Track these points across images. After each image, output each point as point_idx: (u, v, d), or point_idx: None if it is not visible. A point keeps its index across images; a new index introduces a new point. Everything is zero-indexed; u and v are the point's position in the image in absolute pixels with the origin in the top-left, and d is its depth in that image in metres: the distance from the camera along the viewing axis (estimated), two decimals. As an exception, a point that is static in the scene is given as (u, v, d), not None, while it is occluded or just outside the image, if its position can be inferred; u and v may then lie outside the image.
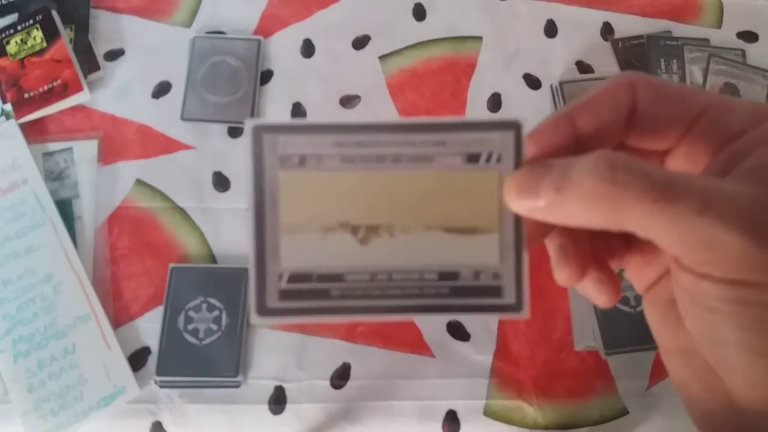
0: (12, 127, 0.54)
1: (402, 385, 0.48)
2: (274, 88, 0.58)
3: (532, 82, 0.60)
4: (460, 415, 0.48)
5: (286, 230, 0.21)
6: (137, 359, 0.48)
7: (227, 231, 0.53)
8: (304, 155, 0.20)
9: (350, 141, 0.20)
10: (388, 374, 0.49)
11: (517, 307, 0.21)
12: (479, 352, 0.50)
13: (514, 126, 0.21)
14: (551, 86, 0.59)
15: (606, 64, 0.61)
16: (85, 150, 0.54)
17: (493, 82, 0.59)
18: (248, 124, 0.20)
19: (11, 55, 0.56)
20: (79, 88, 0.55)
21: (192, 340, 0.48)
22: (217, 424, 0.47)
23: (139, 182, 0.54)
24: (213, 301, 0.49)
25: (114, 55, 0.59)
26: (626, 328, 0.49)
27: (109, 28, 0.60)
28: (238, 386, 0.48)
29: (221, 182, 0.54)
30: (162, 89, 0.57)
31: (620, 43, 0.62)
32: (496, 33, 0.62)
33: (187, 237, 0.52)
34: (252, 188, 0.20)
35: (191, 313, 0.49)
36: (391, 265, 0.21)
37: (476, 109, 0.58)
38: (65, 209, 0.52)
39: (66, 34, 0.57)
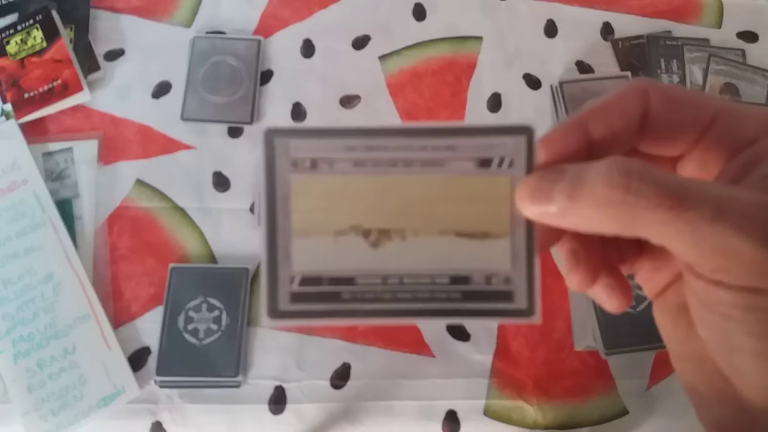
0: (12, 127, 0.54)
1: (402, 385, 0.48)
2: (274, 88, 0.58)
3: (532, 82, 0.60)
4: (460, 415, 0.48)
5: (298, 233, 0.21)
6: (137, 359, 0.48)
7: (227, 231, 0.53)
8: (315, 159, 0.20)
9: (362, 145, 0.20)
10: (388, 374, 0.49)
11: (528, 312, 0.21)
12: (479, 352, 0.50)
13: (527, 131, 0.20)
14: (551, 86, 0.59)
15: (606, 64, 0.61)
16: (85, 150, 0.54)
17: (493, 82, 0.59)
18: (261, 129, 0.20)
19: (11, 55, 0.56)
20: (79, 88, 0.55)
21: (192, 340, 0.48)
22: (217, 424, 0.47)
23: (139, 182, 0.54)
24: (213, 301, 0.49)
25: (114, 55, 0.59)
26: (626, 329, 0.49)
27: (109, 28, 0.60)
28: (238, 386, 0.48)
29: (221, 182, 0.54)
30: (162, 89, 0.57)
31: (620, 43, 0.62)
32: (496, 33, 0.62)
33: (187, 237, 0.52)
34: (264, 191, 0.20)
35: (191, 313, 0.49)
36: (402, 268, 0.21)
37: (476, 109, 0.58)
38: (65, 209, 0.52)
39: (66, 34, 0.57)
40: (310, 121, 0.57)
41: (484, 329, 0.51)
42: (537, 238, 0.21)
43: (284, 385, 0.48)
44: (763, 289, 0.16)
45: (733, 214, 0.16)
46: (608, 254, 0.21)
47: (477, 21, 0.62)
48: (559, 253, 0.21)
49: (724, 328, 0.18)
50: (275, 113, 0.57)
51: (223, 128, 0.56)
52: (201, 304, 0.49)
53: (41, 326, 0.48)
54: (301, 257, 0.21)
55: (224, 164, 0.55)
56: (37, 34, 0.56)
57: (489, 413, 0.48)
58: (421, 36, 0.61)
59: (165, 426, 0.47)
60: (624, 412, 0.48)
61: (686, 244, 0.17)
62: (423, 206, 0.21)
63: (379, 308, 0.21)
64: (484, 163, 0.20)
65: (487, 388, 0.49)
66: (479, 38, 0.61)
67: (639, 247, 0.22)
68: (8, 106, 0.55)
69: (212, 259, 0.52)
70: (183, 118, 0.56)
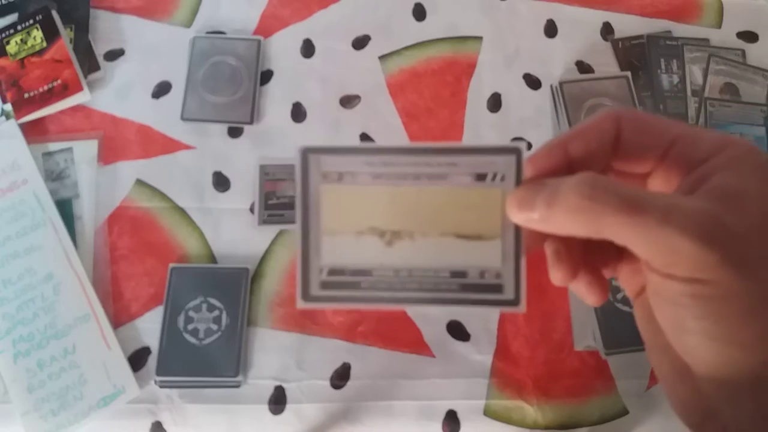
0: (12, 127, 0.54)
1: (402, 385, 0.48)
2: (274, 88, 0.58)
3: (532, 82, 0.60)
4: (460, 415, 0.48)
5: (327, 232, 0.25)
6: (137, 359, 0.48)
7: (227, 231, 0.53)
8: (341, 172, 0.25)
9: (379, 161, 0.25)
10: (388, 374, 0.49)
11: (515, 302, 0.25)
12: (479, 352, 0.50)
13: (516, 151, 0.24)
14: (551, 86, 0.59)
15: (606, 64, 0.61)
16: (85, 150, 0.54)
17: (493, 82, 0.59)
18: (298, 147, 0.25)
19: (11, 55, 0.56)
20: (79, 88, 0.55)
21: (192, 340, 0.48)
22: (217, 424, 0.47)
23: (139, 182, 0.54)
24: (213, 301, 0.49)
25: (114, 55, 0.59)
26: (626, 329, 0.49)
27: (109, 28, 0.60)
28: (238, 386, 0.48)
29: (221, 182, 0.54)
30: (162, 89, 0.57)
31: (620, 43, 0.62)
32: (496, 33, 0.62)
33: (187, 237, 0.52)
34: (300, 198, 0.25)
35: (191, 313, 0.49)
36: (411, 263, 0.25)
37: (476, 109, 0.58)
38: (65, 209, 0.52)
39: (66, 34, 0.57)
40: (311, 121, 0.57)
41: (484, 329, 0.51)
42: (524, 241, 0.24)
43: (284, 385, 0.48)
44: (702, 279, 0.20)
45: (678, 218, 0.19)
46: (590, 257, 0.25)
47: (477, 21, 0.62)
48: (546, 252, 0.24)
49: (676, 313, 0.21)
50: (275, 113, 0.57)
51: (223, 128, 0.56)
52: (201, 304, 0.49)
53: (41, 326, 0.48)
54: (329, 252, 0.25)
55: (224, 164, 0.55)
56: (37, 34, 0.56)
57: (489, 413, 0.48)
58: (421, 36, 0.61)
59: (165, 426, 0.47)
60: (624, 412, 0.48)
61: (642, 243, 0.20)
62: (429, 212, 0.25)
63: (391, 296, 0.25)
64: (481, 177, 0.24)
65: (487, 388, 0.49)
66: (479, 38, 0.61)
67: (619, 254, 0.25)
68: (8, 106, 0.55)
69: (212, 259, 0.52)
70: (183, 118, 0.56)
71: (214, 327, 0.48)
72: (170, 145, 0.55)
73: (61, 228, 0.51)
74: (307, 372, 0.49)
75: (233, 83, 0.57)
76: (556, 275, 0.24)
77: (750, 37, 0.63)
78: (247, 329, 0.49)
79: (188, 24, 0.60)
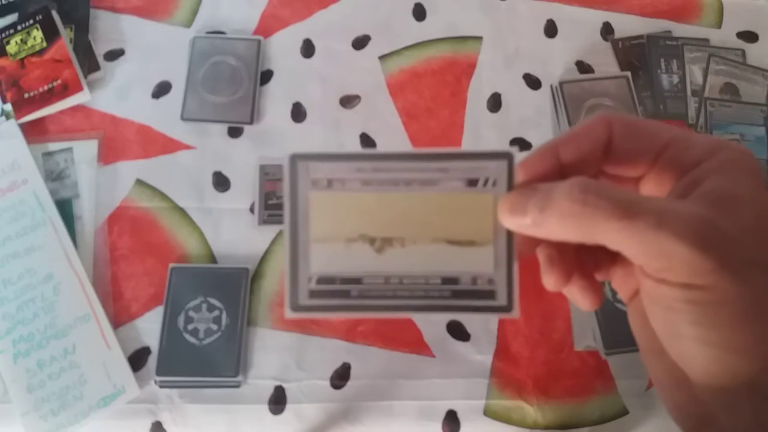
0: (12, 127, 0.54)
1: (402, 385, 0.48)
2: (274, 88, 0.58)
3: (532, 82, 0.60)
4: (460, 415, 0.48)
5: (316, 240, 0.25)
6: (137, 359, 0.48)
7: (227, 231, 0.53)
8: (331, 179, 0.24)
9: (369, 167, 0.24)
10: (388, 374, 0.49)
11: (508, 308, 0.24)
12: (479, 352, 0.50)
13: (507, 156, 0.24)
14: (551, 86, 0.59)
15: (606, 64, 0.61)
16: (85, 150, 0.54)
17: (493, 82, 0.59)
18: (286, 154, 0.25)
19: (11, 55, 0.56)
20: (79, 88, 0.55)
21: (192, 340, 0.48)
22: (217, 424, 0.47)
23: (139, 182, 0.54)
24: (213, 301, 0.49)
25: (114, 55, 0.59)
26: (626, 329, 0.47)
27: (109, 28, 0.60)
28: (238, 386, 0.48)
29: (221, 182, 0.54)
30: (162, 89, 0.57)
31: (620, 43, 0.62)
32: (496, 33, 0.62)
33: (187, 237, 0.52)
34: (288, 205, 0.24)
35: (191, 313, 0.49)
36: (402, 271, 0.24)
37: (476, 109, 0.58)
38: (65, 209, 0.52)
39: (66, 34, 0.57)
40: (311, 121, 0.57)
41: (484, 329, 0.51)
42: (517, 246, 0.24)
43: (284, 385, 0.48)
44: (697, 285, 0.19)
45: (672, 222, 0.19)
46: (584, 261, 0.25)
47: (477, 21, 0.62)
48: (539, 257, 0.24)
49: (670, 319, 0.21)
50: (275, 113, 0.57)
51: (223, 128, 0.56)
52: (201, 304, 0.49)
53: (41, 326, 0.48)
54: (318, 260, 0.25)
55: (224, 164, 0.55)
56: (37, 34, 0.56)
57: (489, 413, 0.48)
58: (421, 36, 0.61)
59: (165, 426, 0.47)
60: (624, 411, 0.48)
61: (635, 248, 0.20)
62: (420, 218, 0.24)
63: (382, 304, 0.25)
64: (472, 182, 0.24)
65: (487, 388, 0.49)
66: (479, 38, 0.61)
67: (612, 257, 0.25)
68: (8, 106, 0.55)
69: (212, 259, 0.52)
70: (183, 118, 0.56)
71: (214, 327, 0.48)
72: (170, 145, 0.55)
73: (61, 228, 0.51)
74: (307, 372, 0.49)
75: (233, 83, 0.57)
76: (549, 280, 0.24)
77: (750, 37, 0.63)
78: (247, 329, 0.49)
79: (188, 24, 0.60)
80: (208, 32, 0.60)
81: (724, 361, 0.20)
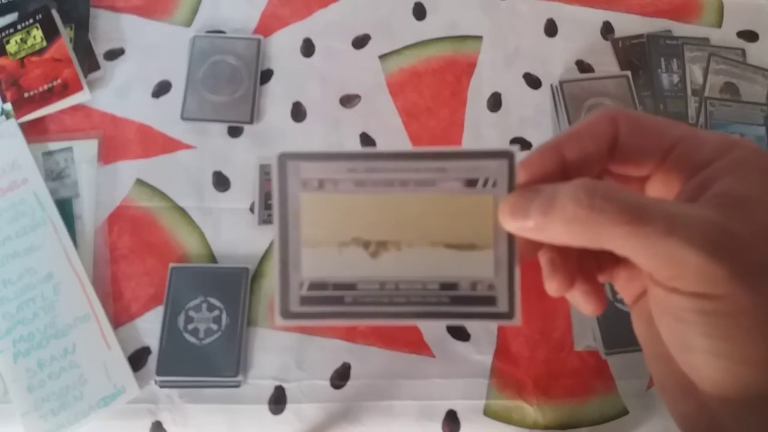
0: (12, 126, 0.54)
1: (402, 385, 0.48)
2: (274, 87, 0.58)
3: (533, 82, 0.60)
4: (460, 415, 0.48)
5: (307, 244, 0.23)
6: (137, 359, 0.48)
7: (227, 231, 0.53)
8: (322, 179, 0.23)
9: (363, 167, 0.23)
10: (388, 374, 0.49)
11: (509, 314, 0.23)
12: (479, 352, 0.50)
13: (508, 155, 0.23)
14: (551, 86, 0.59)
15: (606, 63, 0.61)
16: (85, 149, 0.54)
17: (493, 82, 0.59)
18: (275, 153, 0.23)
19: (11, 54, 0.56)
20: (79, 88, 0.55)
21: (192, 339, 0.48)
22: (217, 424, 0.47)
23: (139, 182, 0.54)
24: (213, 300, 0.49)
25: (114, 54, 0.59)
26: (626, 328, 0.48)
27: (109, 27, 0.60)
28: (238, 386, 0.48)
29: (221, 182, 0.54)
30: (162, 89, 0.57)
31: (620, 42, 0.62)
32: (496, 32, 0.61)
33: (187, 237, 0.52)
34: (278, 207, 0.23)
35: (191, 313, 0.49)
36: (398, 276, 0.23)
37: (476, 109, 0.58)
38: (65, 209, 0.52)
39: (66, 34, 0.57)
40: (311, 121, 0.57)
41: (484, 329, 0.51)
42: (517, 250, 0.23)
43: (284, 385, 0.48)
44: (710, 294, 0.18)
45: (683, 228, 0.18)
46: (586, 264, 0.24)
47: (477, 20, 0.62)
48: (540, 261, 0.23)
49: (680, 329, 0.20)
50: (275, 112, 0.57)
51: (223, 128, 0.56)
52: (201, 303, 0.49)
53: (41, 326, 0.48)
54: (310, 265, 0.23)
55: (224, 164, 0.55)
56: (37, 34, 0.56)
57: (489, 413, 0.48)
58: (421, 35, 0.61)
59: (165, 426, 0.47)
60: (624, 412, 0.48)
61: (644, 255, 0.19)
62: (416, 221, 0.23)
63: (377, 311, 0.23)
64: (471, 183, 0.23)
65: (487, 388, 0.49)
66: (479, 37, 0.61)
67: (615, 259, 0.23)
68: (8, 106, 0.55)
69: (212, 258, 0.52)
70: (183, 118, 0.56)
71: (214, 327, 0.48)
72: (170, 145, 0.55)
73: (61, 228, 0.51)
74: (307, 372, 0.49)
75: (233, 82, 0.57)
76: (552, 286, 0.23)
77: (750, 36, 0.63)
78: (247, 329, 0.49)
79: (188, 23, 0.60)
80: (208, 31, 0.59)
81: (737, 374, 0.19)
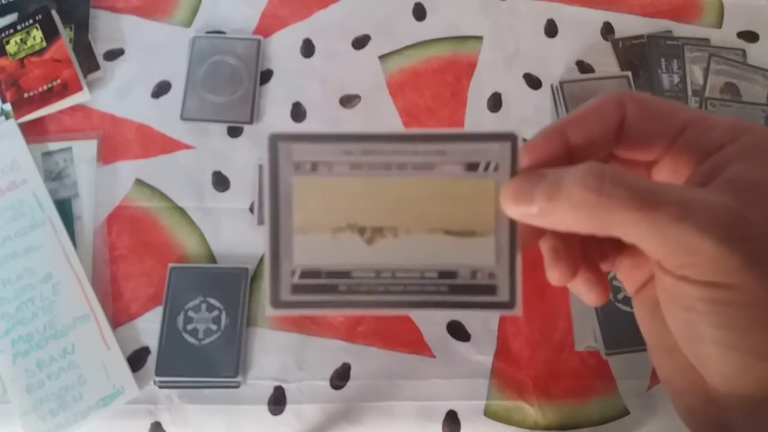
0: (11, 126, 0.54)
1: (402, 385, 0.48)
2: (274, 87, 0.58)
3: (533, 82, 0.60)
4: (460, 416, 0.48)
5: (299, 230, 0.22)
6: (136, 359, 0.48)
7: (227, 231, 0.53)
8: (315, 162, 0.22)
9: (358, 149, 0.22)
10: (388, 374, 0.48)
11: (510, 304, 0.22)
12: (480, 353, 0.50)
13: (511, 138, 0.22)
14: (552, 86, 0.59)
15: (606, 63, 0.61)
16: (84, 150, 0.54)
17: (493, 82, 0.59)
18: (264, 131, 0.22)
19: (11, 54, 0.56)
20: (79, 88, 0.55)
21: (191, 340, 0.48)
22: (217, 425, 0.47)
23: (139, 182, 0.54)
24: (212, 301, 0.49)
25: (114, 54, 0.59)
26: (627, 328, 0.49)
27: (109, 27, 0.60)
28: (237, 386, 0.48)
29: (221, 182, 0.54)
30: (162, 89, 0.57)
31: (621, 42, 0.62)
32: (496, 33, 0.61)
33: (187, 237, 0.52)
34: (268, 191, 0.22)
35: (191, 313, 0.49)
36: (394, 263, 0.22)
37: (476, 109, 0.58)
38: (64, 209, 0.52)
39: (66, 34, 0.57)
40: (311, 121, 0.57)
41: (484, 329, 0.50)
42: (519, 237, 0.22)
43: (284, 386, 0.48)
44: (722, 284, 0.18)
45: (695, 214, 0.17)
46: (589, 251, 0.23)
47: (477, 21, 0.62)
48: (542, 250, 0.23)
49: (690, 320, 0.19)
50: (275, 113, 0.57)
51: (222, 128, 0.56)
52: (200, 304, 0.49)
53: (40, 326, 0.48)
54: (302, 252, 0.22)
55: (224, 164, 0.55)
56: (37, 34, 0.56)
57: (489, 414, 0.48)
58: (421, 36, 0.61)
59: (164, 426, 0.47)
60: (625, 412, 0.48)
61: (654, 242, 0.18)
62: (414, 206, 0.22)
63: (373, 300, 0.22)
64: (472, 167, 0.22)
65: (488, 389, 0.49)
66: (479, 38, 0.61)
67: (619, 246, 0.23)
68: (8, 106, 0.54)
69: (212, 259, 0.52)
70: (182, 118, 0.56)
71: (214, 327, 0.48)
72: (170, 145, 0.55)
73: (61, 228, 0.50)
74: (306, 372, 0.48)
75: (233, 83, 0.57)
76: (554, 274, 0.22)
77: (750, 36, 0.63)
78: (247, 329, 0.49)
79: (188, 24, 0.60)
80: (207, 32, 0.59)
81: (749, 367, 0.19)
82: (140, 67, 0.58)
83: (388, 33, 0.61)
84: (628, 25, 0.63)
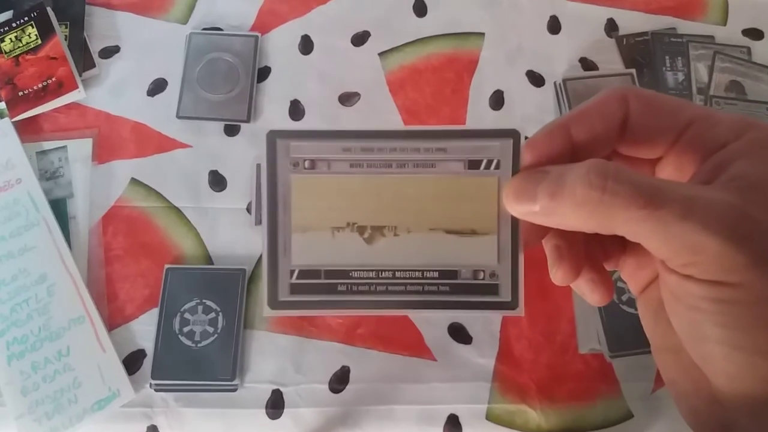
0: (6, 125, 0.53)
1: (402, 389, 0.48)
2: (272, 85, 0.57)
3: (535, 79, 0.59)
4: (462, 420, 0.47)
5: (297, 229, 0.22)
6: (132, 362, 0.48)
7: (224, 231, 0.52)
8: (314, 159, 0.22)
9: (358, 147, 0.22)
10: (388, 378, 0.48)
11: (512, 304, 0.22)
12: (481, 356, 0.49)
13: (513, 135, 0.22)
14: (555, 83, 0.58)
15: (610, 61, 0.60)
16: (79, 148, 0.54)
17: (495, 79, 0.59)
18: (261, 129, 0.22)
19: (6, 52, 0.55)
20: (74, 86, 0.54)
21: (188, 342, 0.47)
22: (214, 429, 0.46)
23: (134, 181, 0.53)
24: (209, 302, 0.48)
25: (109, 52, 0.58)
26: (631, 331, 0.48)
27: (105, 25, 0.59)
28: (234, 390, 0.47)
29: (217, 181, 0.54)
30: (157, 87, 0.57)
31: (624, 39, 0.61)
32: (498, 29, 0.61)
33: (183, 237, 0.52)
34: (266, 189, 0.22)
35: (187, 315, 0.48)
36: (394, 263, 0.22)
37: (478, 107, 0.57)
38: (59, 209, 0.51)
39: (61, 32, 0.56)
40: (309, 119, 0.56)
41: (486, 332, 0.50)
42: (522, 236, 0.22)
43: (282, 389, 0.47)
44: (728, 283, 0.18)
45: (700, 212, 0.17)
46: (592, 251, 0.23)
47: (479, 17, 0.61)
48: (545, 249, 0.22)
49: (694, 319, 0.19)
50: (273, 111, 0.56)
51: (219, 126, 0.55)
52: (197, 305, 0.48)
53: (35, 328, 0.47)
54: (300, 251, 0.22)
55: (220, 163, 0.54)
56: (32, 32, 0.56)
57: (491, 417, 0.47)
58: (421, 32, 0.60)
59: (161, 430, 0.46)
60: (629, 415, 0.48)
61: (658, 240, 0.18)
62: (415, 205, 0.22)
63: (373, 300, 0.22)
64: (473, 164, 0.22)
65: (490, 392, 0.48)
66: (481, 34, 0.60)
67: (623, 245, 0.23)
68: (2, 104, 0.54)
69: (208, 260, 0.51)
70: (179, 116, 0.55)
71: (210, 329, 0.48)
72: (166, 144, 0.55)
73: (56, 228, 0.50)
74: (305, 375, 0.48)
75: (230, 80, 0.56)
76: (557, 274, 0.22)
77: (755, 34, 0.62)
78: (244, 332, 0.48)
79: (184, 20, 0.59)
80: (204, 28, 0.59)
81: (754, 366, 0.18)
82: (136, 65, 0.57)
83: (388, 29, 0.60)
84: (632, 21, 0.62)
